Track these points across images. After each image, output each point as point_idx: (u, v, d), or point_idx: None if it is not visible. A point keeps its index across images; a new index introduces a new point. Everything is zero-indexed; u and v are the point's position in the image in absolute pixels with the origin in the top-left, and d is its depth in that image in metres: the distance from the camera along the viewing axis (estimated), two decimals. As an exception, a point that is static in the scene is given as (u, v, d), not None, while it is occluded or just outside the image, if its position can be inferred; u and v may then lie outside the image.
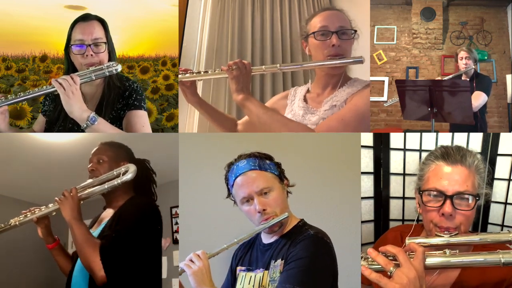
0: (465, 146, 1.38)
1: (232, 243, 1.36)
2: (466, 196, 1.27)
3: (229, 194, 1.46)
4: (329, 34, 1.64)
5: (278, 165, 1.44)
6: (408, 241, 1.22)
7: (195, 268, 1.29)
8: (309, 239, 1.29)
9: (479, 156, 1.35)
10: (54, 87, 1.61)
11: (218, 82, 2.83)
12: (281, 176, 1.43)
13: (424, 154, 2.02)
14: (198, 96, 1.82)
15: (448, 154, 1.32)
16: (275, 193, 1.37)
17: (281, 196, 1.39)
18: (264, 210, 1.35)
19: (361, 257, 1.21)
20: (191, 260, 1.31)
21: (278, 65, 1.70)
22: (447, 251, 1.16)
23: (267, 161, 1.42)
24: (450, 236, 1.23)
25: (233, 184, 1.41)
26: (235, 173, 1.40)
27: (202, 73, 1.73)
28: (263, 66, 1.71)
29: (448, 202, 1.26)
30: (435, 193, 1.29)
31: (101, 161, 1.68)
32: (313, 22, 1.70)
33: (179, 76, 1.76)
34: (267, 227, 1.35)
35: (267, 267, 1.36)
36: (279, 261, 1.32)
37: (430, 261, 1.14)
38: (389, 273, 1.09)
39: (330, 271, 1.28)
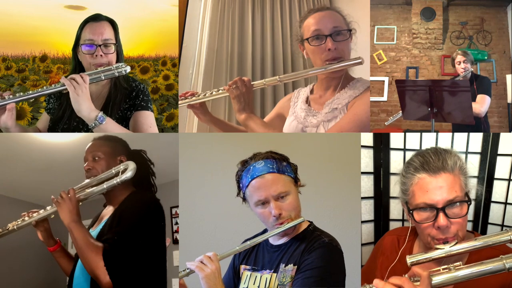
0: (465, 145, 1.35)
1: (245, 245, 1.35)
2: (457, 202, 1.23)
3: (240, 192, 1.42)
4: (323, 38, 1.60)
5: (293, 166, 1.41)
6: (409, 260, 1.20)
7: (208, 271, 1.26)
8: (324, 248, 1.28)
9: (458, 154, 1.30)
10: (62, 85, 1.60)
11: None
12: (296, 178, 1.40)
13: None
14: (210, 115, 1.84)
15: (428, 163, 1.26)
16: (291, 197, 1.34)
17: (296, 200, 1.37)
18: (280, 214, 1.32)
19: None
20: (202, 263, 1.28)
21: (278, 77, 1.70)
22: (451, 266, 1.14)
23: (284, 163, 1.38)
24: (450, 246, 1.20)
25: (247, 185, 1.36)
26: (251, 174, 1.35)
27: (207, 94, 1.75)
28: (264, 80, 1.70)
29: (441, 214, 1.21)
30: (425, 208, 1.24)
31: (96, 158, 1.62)
32: (306, 26, 1.65)
33: (180, 101, 1.78)
34: (282, 231, 1.32)
35: (275, 270, 1.34)
36: (290, 266, 1.30)
37: (436, 280, 1.13)
38: None
39: (343, 279, 1.27)
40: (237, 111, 1.66)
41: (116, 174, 1.55)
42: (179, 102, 1.80)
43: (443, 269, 1.14)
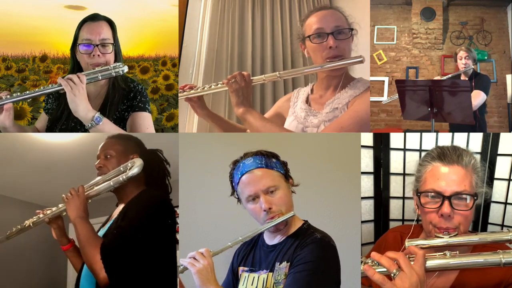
0: (465, 146, 1.38)
1: (237, 241, 1.35)
2: (464, 196, 1.27)
3: (233, 191, 1.44)
4: (325, 36, 1.61)
5: (283, 163, 1.43)
6: (407, 243, 1.22)
7: (200, 266, 1.26)
8: (316, 243, 1.28)
9: (475, 155, 1.36)
10: (59, 86, 1.60)
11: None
12: (286, 175, 1.41)
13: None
14: (208, 109, 1.83)
15: (445, 155, 1.32)
16: (281, 192, 1.36)
17: (287, 195, 1.38)
18: (270, 208, 1.33)
19: (361, 262, 1.20)
20: (194, 258, 1.29)
21: (277, 73, 1.69)
22: (447, 252, 1.16)
23: (273, 160, 1.40)
24: (450, 236, 1.23)
25: (238, 182, 1.39)
26: (241, 171, 1.38)
27: (206, 88, 1.74)
28: (263, 76, 1.69)
29: (446, 202, 1.26)
30: (433, 194, 1.29)
31: (108, 156, 1.61)
32: (308, 24, 1.66)
33: (179, 94, 1.77)
34: (273, 225, 1.33)
35: (271, 269, 1.34)
36: (284, 263, 1.31)
37: (430, 263, 1.14)
38: (392, 275, 1.09)
39: (336, 275, 1.27)
40: (235, 105, 1.65)
41: (124, 171, 1.54)
42: (178, 95, 1.79)
43: (439, 254, 1.16)
